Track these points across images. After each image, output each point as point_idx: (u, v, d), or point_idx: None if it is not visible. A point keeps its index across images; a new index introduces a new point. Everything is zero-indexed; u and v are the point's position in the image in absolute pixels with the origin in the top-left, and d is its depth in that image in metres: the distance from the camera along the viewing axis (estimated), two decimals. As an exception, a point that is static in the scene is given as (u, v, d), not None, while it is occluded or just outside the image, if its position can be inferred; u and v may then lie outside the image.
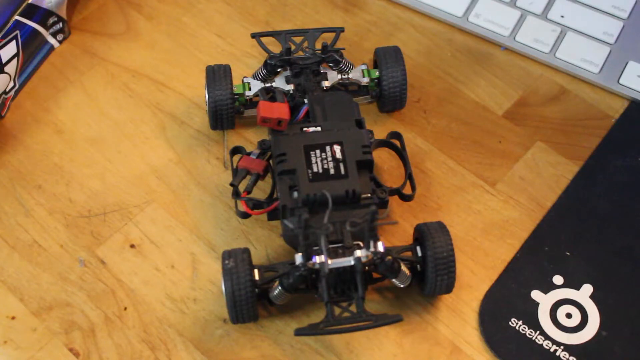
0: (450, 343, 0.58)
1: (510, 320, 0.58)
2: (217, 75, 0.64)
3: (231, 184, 0.59)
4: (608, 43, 0.71)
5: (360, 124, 0.60)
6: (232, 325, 0.58)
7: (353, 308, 0.54)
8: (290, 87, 0.63)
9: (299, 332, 0.53)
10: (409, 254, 0.57)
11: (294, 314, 0.58)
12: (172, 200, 0.63)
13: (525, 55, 0.71)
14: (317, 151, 0.58)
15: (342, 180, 0.56)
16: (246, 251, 0.56)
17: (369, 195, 0.57)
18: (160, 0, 0.74)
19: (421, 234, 0.57)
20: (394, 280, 0.56)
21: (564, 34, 0.71)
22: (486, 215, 0.63)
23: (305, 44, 0.67)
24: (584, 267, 0.60)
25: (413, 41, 0.72)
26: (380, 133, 0.64)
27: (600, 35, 0.71)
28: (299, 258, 0.54)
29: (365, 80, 0.66)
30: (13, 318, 0.58)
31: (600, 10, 0.72)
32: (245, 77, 0.65)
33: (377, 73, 0.65)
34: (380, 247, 0.54)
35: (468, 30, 0.72)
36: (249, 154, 0.60)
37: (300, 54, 0.66)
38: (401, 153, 0.62)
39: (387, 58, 0.65)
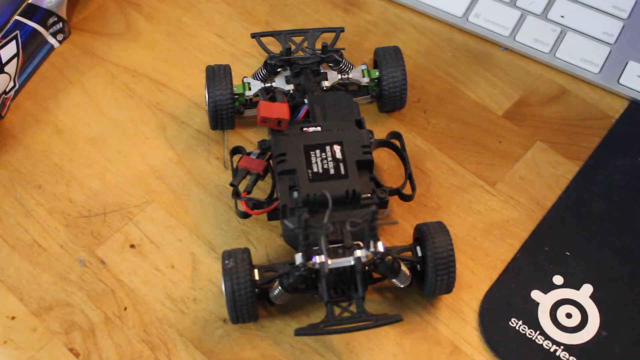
0: (450, 343, 0.58)
1: (510, 320, 0.58)
2: (217, 75, 0.64)
3: (231, 184, 0.59)
4: (608, 43, 0.71)
5: (360, 124, 0.60)
6: (232, 325, 0.58)
7: (353, 308, 0.54)
8: (290, 87, 0.63)
9: (299, 332, 0.53)
10: (409, 254, 0.57)
11: (294, 314, 0.58)
12: (172, 200, 0.63)
13: (525, 55, 0.71)
14: (317, 151, 0.58)
15: (342, 180, 0.56)
16: (246, 251, 0.56)
17: (369, 195, 0.57)
18: (160, 0, 0.74)
19: (421, 234, 0.57)
20: (394, 280, 0.56)
21: (564, 34, 0.71)
22: (486, 215, 0.63)
23: (305, 44, 0.67)
24: (584, 267, 0.60)
25: (413, 41, 0.72)
26: (380, 133, 0.64)
27: (600, 35, 0.71)
28: (299, 258, 0.54)
29: (365, 80, 0.66)
30: (13, 318, 0.58)
31: (600, 10, 0.72)
32: (245, 77, 0.65)
33: (377, 73, 0.65)
34: (380, 247, 0.54)
35: (468, 30, 0.72)
36: (249, 154, 0.60)
37: (300, 54, 0.66)
38: (401, 153, 0.62)
39: (387, 58, 0.65)
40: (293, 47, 0.66)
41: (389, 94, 0.65)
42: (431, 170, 0.65)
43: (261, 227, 0.62)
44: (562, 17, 0.72)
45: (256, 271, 0.56)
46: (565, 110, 0.68)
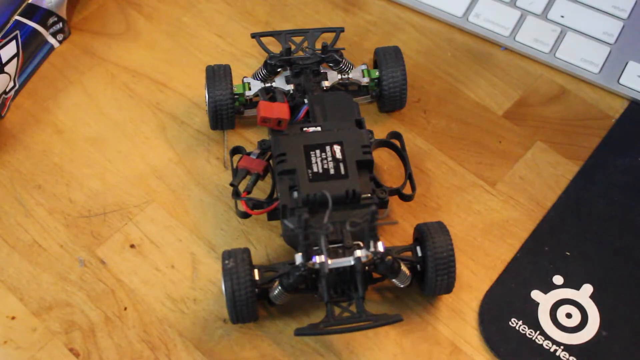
0: (450, 343, 0.58)
1: (510, 320, 0.58)
2: (217, 75, 0.64)
3: (231, 184, 0.59)
4: (608, 43, 0.71)
5: (360, 124, 0.60)
6: (232, 325, 0.58)
7: (353, 308, 0.54)
8: (290, 87, 0.63)
9: (299, 332, 0.53)
10: (409, 254, 0.57)
11: (294, 314, 0.58)
12: (172, 200, 0.63)
13: (525, 55, 0.71)
14: (317, 151, 0.58)
15: (342, 180, 0.56)
16: (246, 251, 0.56)
17: (369, 195, 0.57)
18: (160, 0, 0.74)
19: (421, 234, 0.57)
20: (394, 280, 0.56)
21: (564, 34, 0.71)
22: (486, 215, 0.63)
23: (305, 44, 0.67)
24: (584, 267, 0.60)
25: (413, 41, 0.72)
26: (380, 133, 0.64)
27: (600, 35, 0.71)
28: (299, 258, 0.54)
29: (365, 80, 0.66)
30: (13, 318, 0.58)
31: (600, 10, 0.72)
32: (245, 77, 0.65)
33: (377, 73, 0.65)
34: (380, 247, 0.54)
35: (468, 30, 0.72)
36: (249, 154, 0.60)
37: (300, 54, 0.66)
38: (401, 153, 0.62)
39: (387, 58, 0.65)
40: (293, 47, 0.66)
41: (389, 94, 0.65)
42: (431, 170, 0.65)
43: (261, 227, 0.62)
44: (562, 17, 0.72)
45: (256, 271, 0.56)
46: (565, 110, 0.68)
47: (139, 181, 0.64)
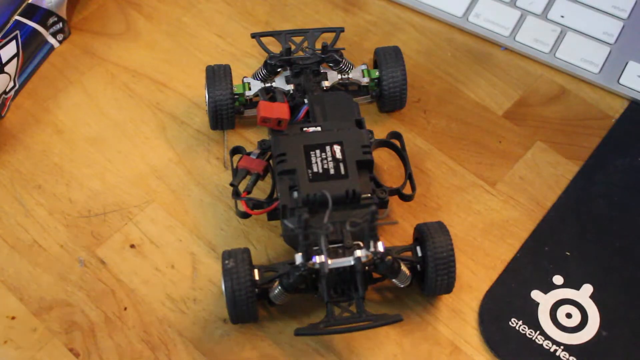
0: (450, 343, 0.58)
1: (510, 320, 0.58)
2: (217, 75, 0.64)
3: (231, 184, 0.59)
4: (608, 43, 0.71)
5: (360, 124, 0.60)
6: (232, 325, 0.58)
7: (353, 308, 0.54)
8: (290, 87, 0.63)
9: (299, 332, 0.53)
10: (409, 254, 0.57)
11: (294, 314, 0.58)
12: (172, 200, 0.63)
13: (525, 55, 0.71)
14: (317, 151, 0.58)
15: (342, 180, 0.56)
16: (246, 251, 0.56)
17: (369, 195, 0.57)
18: (160, 0, 0.74)
19: (421, 234, 0.57)
20: (394, 280, 0.56)
21: (564, 34, 0.71)
22: (486, 215, 0.63)
23: (305, 44, 0.67)
24: (584, 267, 0.60)
25: (413, 41, 0.72)
26: (380, 133, 0.64)
27: (600, 35, 0.71)
28: (299, 258, 0.54)
29: (365, 80, 0.66)
30: (13, 318, 0.58)
31: (600, 10, 0.72)
32: (245, 77, 0.65)
33: (377, 73, 0.65)
34: (380, 247, 0.54)
35: (468, 30, 0.72)
36: (249, 154, 0.60)
37: (300, 54, 0.66)
38: (401, 153, 0.62)
39: (387, 58, 0.65)
40: (293, 47, 0.66)
41: (389, 94, 0.65)
42: (431, 170, 0.65)
43: (261, 227, 0.62)
44: (562, 17, 0.72)
45: (256, 271, 0.56)
46: (565, 110, 0.68)
47: (139, 181, 0.64)
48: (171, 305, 0.59)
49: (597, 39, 0.71)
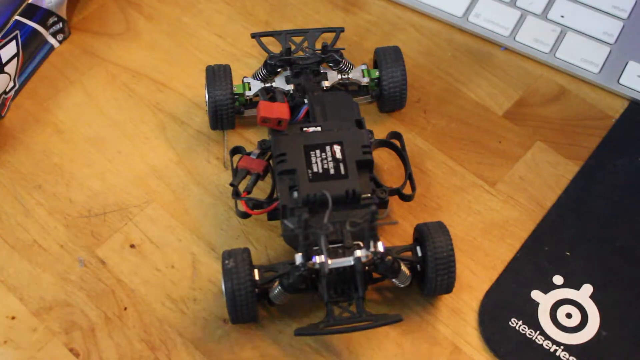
0: (450, 343, 0.58)
1: (510, 320, 0.58)
2: (217, 75, 0.64)
3: (231, 184, 0.59)
4: (608, 43, 0.71)
5: (360, 124, 0.60)
6: (232, 325, 0.58)
7: (353, 308, 0.54)
8: (290, 87, 0.63)
9: (299, 332, 0.53)
10: (409, 254, 0.57)
11: (294, 314, 0.58)
12: (172, 200, 0.63)
13: (525, 55, 0.71)
14: (317, 151, 0.58)
15: (342, 180, 0.56)
16: (246, 251, 0.56)
17: (369, 195, 0.57)
18: (160, 0, 0.74)
19: (421, 234, 0.57)
20: (394, 280, 0.56)
21: (564, 34, 0.71)
22: (486, 215, 0.63)
23: (305, 44, 0.67)
24: (584, 267, 0.60)
25: (413, 41, 0.72)
26: (380, 133, 0.64)
27: (600, 35, 0.71)
28: (299, 258, 0.54)
29: (365, 80, 0.66)
30: (13, 318, 0.58)
31: (600, 10, 0.72)
32: (245, 77, 0.65)
33: (377, 73, 0.65)
34: (380, 247, 0.54)
35: (468, 30, 0.72)
36: (249, 154, 0.60)
37: (300, 54, 0.66)
38: (401, 153, 0.62)
39: (387, 58, 0.65)
40: (293, 47, 0.66)
41: (389, 94, 0.65)
42: (431, 170, 0.65)
43: (261, 227, 0.62)
44: (562, 17, 0.72)
45: (256, 271, 0.56)
46: (565, 110, 0.68)
47: (139, 181, 0.64)
48: (171, 305, 0.59)
49: (597, 39, 0.71)
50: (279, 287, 0.55)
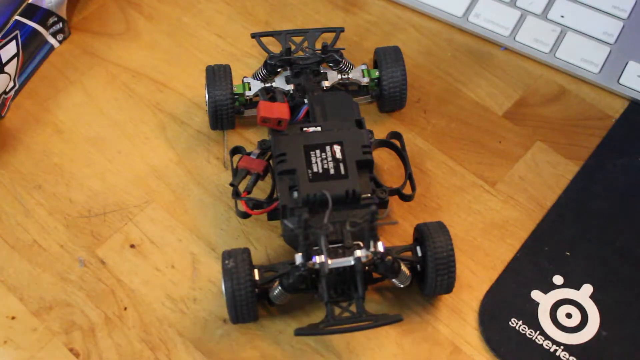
0: (450, 343, 0.58)
1: (510, 320, 0.58)
2: (217, 75, 0.64)
3: (231, 184, 0.59)
4: (608, 43, 0.71)
5: (360, 124, 0.60)
6: (232, 325, 0.58)
7: (353, 308, 0.54)
8: (290, 87, 0.63)
9: (299, 332, 0.53)
10: (409, 254, 0.57)
11: (294, 314, 0.58)
12: (172, 200, 0.63)
13: (525, 55, 0.71)
14: (317, 151, 0.58)
15: (342, 180, 0.56)
16: (246, 251, 0.56)
17: (369, 195, 0.57)
18: (160, 0, 0.74)
19: (421, 234, 0.57)
20: (394, 280, 0.56)
21: (564, 34, 0.71)
22: (486, 215, 0.63)
23: (305, 44, 0.67)
24: (584, 267, 0.60)
25: (413, 41, 0.72)
26: (380, 133, 0.64)
27: (600, 35, 0.71)
28: (299, 258, 0.54)
29: (365, 80, 0.66)
30: (13, 318, 0.58)
31: (600, 10, 0.72)
32: (245, 77, 0.65)
33: (377, 73, 0.65)
34: (380, 247, 0.54)
35: (468, 30, 0.72)
36: (249, 154, 0.60)
37: (300, 54, 0.66)
38: (401, 153, 0.62)
39: (387, 58, 0.65)
40: (293, 47, 0.66)
41: (389, 94, 0.65)
42: (431, 170, 0.65)
43: (261, 227, 0.62)
44: (562, 17, 0.72)
45: (256, 271, 0.56)
46: (565, 110, 0.68)
47: (139, 181, 0.64)
48: (171, 305, 0.59)
49: (597, 39, 0.71)
50: (279, 287, 0.55)
